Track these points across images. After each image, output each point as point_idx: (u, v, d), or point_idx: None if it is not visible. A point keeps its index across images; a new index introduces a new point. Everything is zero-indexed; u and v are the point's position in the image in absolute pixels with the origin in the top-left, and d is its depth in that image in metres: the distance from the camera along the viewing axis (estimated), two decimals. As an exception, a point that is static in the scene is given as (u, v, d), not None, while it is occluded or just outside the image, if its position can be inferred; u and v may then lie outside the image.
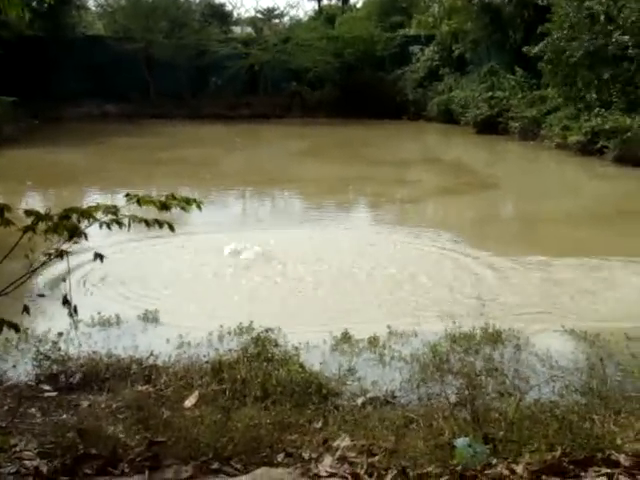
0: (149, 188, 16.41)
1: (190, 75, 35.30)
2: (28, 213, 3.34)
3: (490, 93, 28.47)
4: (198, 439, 4.04)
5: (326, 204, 16.20)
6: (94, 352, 6.40)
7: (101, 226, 3.43)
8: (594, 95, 22.55)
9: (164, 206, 3.52)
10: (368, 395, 5.61)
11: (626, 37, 21.18)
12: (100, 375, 5.80)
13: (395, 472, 3.56)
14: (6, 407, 4.86)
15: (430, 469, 3.51)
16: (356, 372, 6.27)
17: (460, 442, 3.74)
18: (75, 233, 3.38)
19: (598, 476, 3.46)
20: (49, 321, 7.40)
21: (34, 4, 31.32)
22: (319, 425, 4.60)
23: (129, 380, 5.67)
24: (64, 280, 8.15)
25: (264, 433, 4.25)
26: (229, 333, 7.22)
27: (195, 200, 3.63)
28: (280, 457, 3.94)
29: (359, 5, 47.90)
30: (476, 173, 20.67)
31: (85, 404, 5.06)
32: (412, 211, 16.02)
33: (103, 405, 4.95)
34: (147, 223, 3.53)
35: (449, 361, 6.15)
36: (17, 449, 3.91)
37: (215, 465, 3.79)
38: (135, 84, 34.45)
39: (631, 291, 9.16)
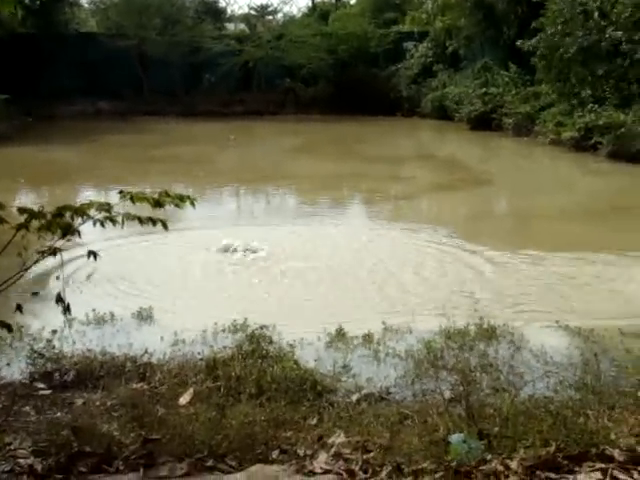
0: (143, 186, 16.33)
1: (183, 72, 35.22)
2: (21, 211, 3.34)
3: (484, 89, 28.45)
4: (193, 436, 4.03)
5: (320, 201, 16.20)
6: (88, 350, 6.39)
7: (95, 224, 3.43)
8: (588, 91, 22.57)
9: (157, 203, 3.52)
10: (363, 392, 5.61)
11: (619, 33, 21.21)
12: (94, 373, 5.79)
13: (390, 468, 3.56)
14: (0, 405, 4.85)
15: (425, 465, 3.52)
16: (351, 369, 6.28)
17: (455, 438, 3.74)
18: (68, 231, 3.37)
19: (592, 471, 3.47)
20: (43, 319, 7.38)
21: (27, 1, 31.28)
22: (314, 422, 4.60)
23: (123, 378, 5.66)
24: (57, 278, 8.14)
25: (259, 430, 4.25)
26: (223, 330, 7.21)
27: (189, 197, 3.63)
28: (275, 454, 3.94)
29: (353, 1, 47.81)
30: (470, 169, 20.68)
31: (79, 402, 5.05)
32: (406, 207, 16.02)
33: (97, 403, 4.94)
34: (140, 221, 3.53)
35: (444, 357, 6.17)
36: (11, 447, 3.90)
37: (210, 462, 3.79)
38: (128, 81, 34.35)
39: (625, 286, 9.18)
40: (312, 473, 3.66)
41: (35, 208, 3.36)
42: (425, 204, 16.89)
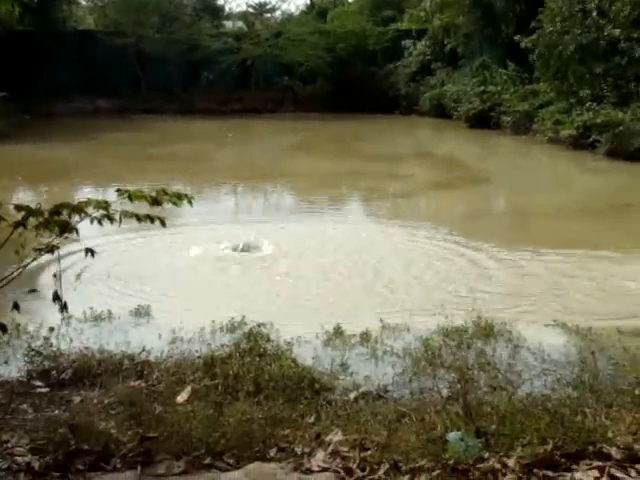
0: (141, 183, 16.31)
1: (181, 70, 35.18)
2: (18, 208, 3.33)
3: (482, 87, 28.43)
4: (190, 434, 4.04)
5: (318, 199, 16.19)
6: (86, 348, 6.38)
7: (92, 221, 3.43)
8: (586, 90, 22.56)
9: (155, 201, 3.52)
10: (360, 390, 5.61)
11: (617, 31, 21.21)
12: (92, 371, 5.78)
13: (387, 466, 3.57)
14: (-3, 403, 4.85)
15: (422, 463, 3.52)
16: (348, 367, 6.27)
17: (452, 436, 3.75)
18: (66, 229, 3.37)
19: (590, 469, 3.48)
20: (41, 317, 7.37)
21: (24, -2, 31.19)
22: (311, 420, 4.60)
23: (121, 376, 5.65)
24: (55, 276, 8.12)
25: (256, 428, 4.25)
26: (221, 328, 7.20)
27: (186, 195, 3.63)
28: (272, 452, 3.94)
29: (351, -1, 47.84)
30: (468, 167, 20.68)
31: (77, 400, 5.04)
32: (405, 205, 16.03)
33: (95, 401, 4.94)
34: (138, 218, 3.53)
35: (441, 355, 6.17)
36: (9, 445, 3.90)
37: (207, 460, 3.79)
38: (126, 79, 34.28)
39: (623, 284, 9.18)
40: (310, 471, 3.66)
41: (33, 206, 3.35)
42: (423, 202, 16.89)
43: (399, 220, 13.78)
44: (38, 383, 5.51)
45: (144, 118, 30.39)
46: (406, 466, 3.54)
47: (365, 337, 7.01)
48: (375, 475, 3.52)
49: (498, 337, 6.94)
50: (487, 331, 6.99)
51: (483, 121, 27.03)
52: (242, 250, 10.57)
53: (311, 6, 45.90)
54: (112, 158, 21.37)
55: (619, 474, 3.43)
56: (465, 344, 6.62)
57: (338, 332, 7.09)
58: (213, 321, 7.28)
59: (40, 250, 3.45)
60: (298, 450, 3.92)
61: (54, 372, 5.75)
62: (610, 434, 3.90)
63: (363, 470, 3.60)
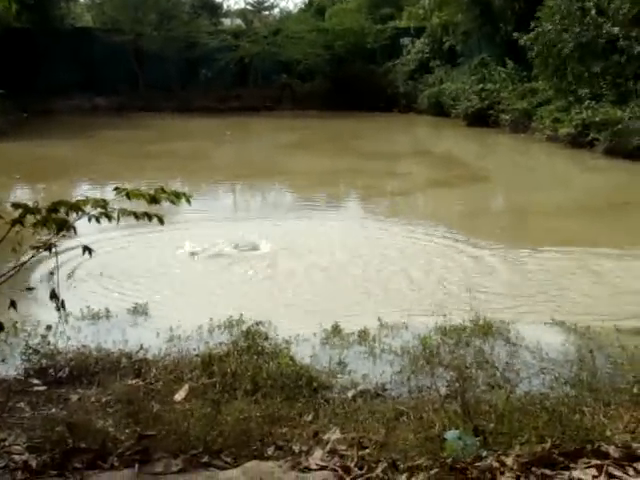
0: (139, 181, 16.35)
1: (180, 67, 35.18)
2: (16, 206, 3.32)
3: (481, 85, 28.43)
4: (188, 432, 4.03)
5: (317, 197, 16.18)
6: (83, 346, 6.37)
7: (90, 219, 3.42)
8: (585, 89, 22.54)
9: (153, 199, 3.51)
10: (358, 388, 5.61)
11: (616, 29, 21.20)
12: (89, 369, 5.78)
13: (385, 465, 3.56)
14: (-5, 401, 4.84)
15: (420, 461, 3.52)
16: (346, 365, 6.27)
17: (450, 434, 3.75)
18: (64, 226, 3.36)
19: (588, 467, 3.47)
20: (38, 315, 7.37)
21: (22, -4, 31.11)
22: (309, 418, 4.59)
23: (119, 374, 5.65)
24: (52, 273, 8.13)
25: (254, 426, 4.25)
26: (219, 326, 7.20)
27: (184, 194, 3.62)
28: (270, 450, 3.94)
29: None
30: (467, 166, 20.67)
31: (74, 398, 5.04)
32: (403, 203, 16.01)
33: (93, 399, 4.93)
34: (136, 216, 3.52)
35: (439, 354, 6.17)
36: (6, 443, 3.90)
37: (205, 458, 3.79)
38: (124, 77, 34.29)
39: (621, 283, 9.18)
40: (307, 469, 3.66)
41: (30, 204, 3.34)
42: (422, 200, 16.89)
43: (397, 218, 13.78)
44: (35, 381, 5.50)
45: (142, 116, 30.37)
46: (404, 464, 3.53)
47: (363, 335, 7.01)
48: (373, 473, 3.52)
49: (496, 335, 6.94)
50: (485, 329, 6.99)
51: (482, 119, 27.04)
52: (240, 248, 10.56)
53: (309, 4, 45.93)
54: (110, 156, 21.35)
55: (617, 473, 3.43)
56: (463, 342, 6.62)
57: (336, 330, 7.09)
58: (211, 319, 7.28)
59: (37, 248, 3.44)
60: (296, 448, 3.92)
61: (51, 370, 5.75)
62: (608, 432, 3.90)
63: (361, 468, 3.59)
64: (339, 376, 5.96)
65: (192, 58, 35.48)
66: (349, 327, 7.14)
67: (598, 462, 3.50)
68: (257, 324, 6.96)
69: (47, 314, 7.09)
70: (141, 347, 6.42)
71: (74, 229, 3.40)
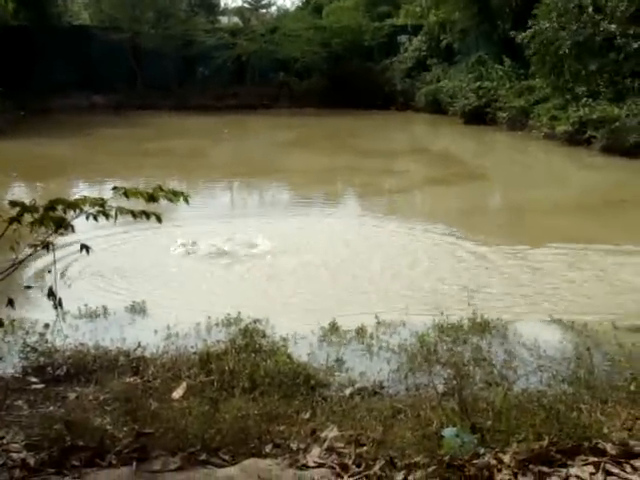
0: (136, 179, 16.36)
1: (177, 65, 35.13)
2: (13, 204, 3.32)
3: (478, 83, 28.41)
4: (186, 430, 4.03)
5: (314, 195, 16.19)
6: (81, 344, 6.38)
7: (88, 218, 3.42)
8: (583, 86, 22.54)
9: (151, 198, 3.51)
10: (356, 386, 5.61)
11: (613, 26, 21.21)
12: (87, 367, 5.78)
13: (383, 462, 3.56)
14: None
15: (418, 459, 3.52)
16: (344, 363, 6.28)
17: (448, 432, 3.75)
18: (62, 225, 3.36)
19: (585, 465, 3.48)
20: (36, 313, 7.36)
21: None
22: (307, 416, 4.60)
23: (117, 372, 5.65)
24: (49, 272, 8.12)
25: (252, 424, 4.25)
26: (217, 324, 7.21)
27: (182, 193, 3.62)
28: (268, 448, 3.94)
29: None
30: (464, 163, 20.69)
31: (72, 396, 5.04)
32: (400, 201, 16.01)
33: (90, 397, 4.93)
34: (134, 215, 3.52)
35: (437, 351, 6.19)
36: (4, 441, 3.89)
37: (203, 456, 3.79)
38: (122, 75, 34.24)
39: (618, 280, 9.19)
40: (305, 467, 3.66)
41: (28, 202, 3.34)
42: (419, 198, 16.90)
43: (395, 216, 13.78)
44: (33, 379, 5.50)
45: (140, 114, 30.33)
46: (401, 462, 3.54)
47: (361, 333, 7.02)
48: (371, 471, 3.52)
49: (494, 333, 6.96)
50: (483, 327, 7.00)
51: (479, 117, 27.04)
52: (237, 246, 10.56)
53: (306, 1, 45.83)
54: (108, 154, 21.33)
55: (614, 470, 3.44)
56: (461, 340, 6.63)
57: (333, 328, 7.10)
58: (209, 317, 7.29)
59: (35, 246, 3.45)
60: (294, 446, 3.92)
61: (49, 368, 5.75)
62: (605, 430, 3.90)
63: (359, 466, 3.60)
64: (337, 374, 5.97)
65: (189, 56, 35.44)
66: (346, 325, 7.15)
67: (595, 459, 3.50)
68: (255, 322, 6.97)
69: (39, 313, 7.10)
70: (139, 345, 6.42)
71: (72, 227, 3.40)
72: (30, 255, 3.62)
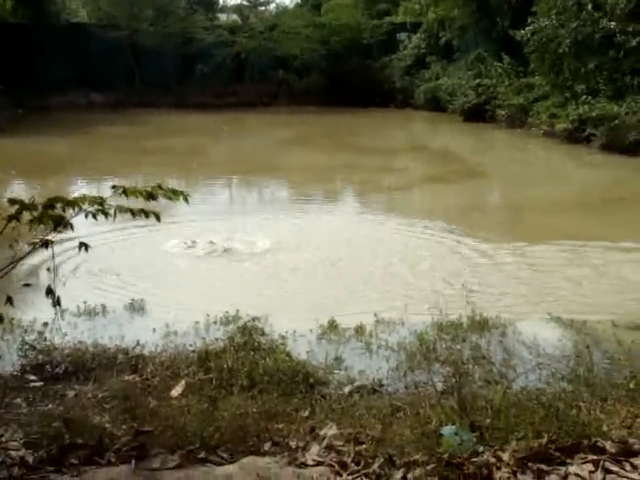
0: (135, 178, 16.37)
1: (176, 63, 35.06)
2: (12, 202, 3.32)
3: (477, 81, 28.38)
4: (185, 428, 4.03)
5: (313, 193, 16.18)
6: (80, 342, 6.38)
7: (87, 216, 3.41)
8: (582, 85, 22.53)
9: (151, 196, 3.51)
10: (355, 384, 5.61)
11: (613, 24, 21.20)
12: (86, 365, 5.78)
13: (382, 460, 3.56)
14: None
15: (417, 457, 3.52)
16: (343, 361, 6.27)
17: (447, 430, 3.75)
18: (60, 223, 3.36)
19: (584, 463, 3.48)
20: (35, 311, 7.35)
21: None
22: (306, 414, 4.59)
23: (115, 370, 5.65)
24: (48, 270, 8.11)
25: (251, 422, 4.25)
26: (215, 322, 7.20)
27: (182, 192, 3.62)
28: (267, 446, 3.94)
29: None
30: (463, 161, 20.67)
31: (71, 394, 5.04)
32: (399, 199, 16.00)
33: (89, 395, 4.93)
34: (133, 213, 3.52)
35: (436, 349, 6.18)
36: (3, 439, 3.89)
37: (202, 454, 3.79)
38: (120, 72, 34.18)
39: (617, 278, 9.19)
40: (304, 465, 3.66)
41: (26, 200, 3.34)
42: (418, 196, 16.88)
43: (394, 214, 13.79)
44: (32, 377, 5.50)
45: (138, 112, 30.28)
46: (400, 460, 3.54)
47: (360, 331, 7.01)
48: (369, 469, 3.52)
49: (493, 331, 6.95)
50: (482, 325, 7.00)
51: (478, 114, 27.01)
52: (236, 244, 10.55)
53: (305, -1, 45.81)
54: (106, 152, 21.32)
55: (613, 468, 3.44)
56: (460, 338, 6.63)
57: (332, 326, 7.10)
58: (207, 315, 7.28)
59: (34, 244, 3.44)
60: (292, 444, 3.92)
61: (48, 366, 5.75)
62: (605, 428, 3.91)
63: (357, 464, 3.60)
64: (336, 372, 5.97)
65: (188, 54, 35.37)
66: (345, 323, 7.14)
67: (595, 457, 3.51)
68: (253, 320, 6.97)
69: (37, 311, 7.08)
70: (137, 343, 6.42)
71: (71, 226, 3.40)
72: (28, 253, 3.62)
